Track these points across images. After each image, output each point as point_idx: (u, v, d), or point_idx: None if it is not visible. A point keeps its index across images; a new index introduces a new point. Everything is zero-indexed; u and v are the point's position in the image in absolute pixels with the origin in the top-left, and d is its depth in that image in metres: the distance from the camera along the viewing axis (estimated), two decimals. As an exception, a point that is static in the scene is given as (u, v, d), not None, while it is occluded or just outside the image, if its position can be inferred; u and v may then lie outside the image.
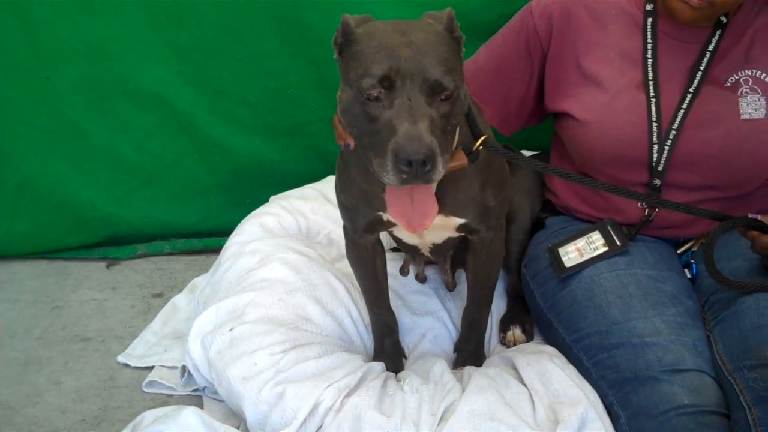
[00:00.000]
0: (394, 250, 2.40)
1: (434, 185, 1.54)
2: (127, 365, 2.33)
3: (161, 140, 2.89)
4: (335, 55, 1.57)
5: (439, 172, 1.42)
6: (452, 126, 1.50)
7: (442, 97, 1.45)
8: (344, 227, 1.97)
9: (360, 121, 1.47)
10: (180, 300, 2.59)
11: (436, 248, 1.99)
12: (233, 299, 2.08)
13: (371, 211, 1.79)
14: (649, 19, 1.94)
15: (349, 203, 1.84)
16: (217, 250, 2.58)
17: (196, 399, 2.13)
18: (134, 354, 2.36)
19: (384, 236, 2.04)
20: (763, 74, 1.89)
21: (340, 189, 1.86)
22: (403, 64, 1.42)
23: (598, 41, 1.99)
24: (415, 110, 1.40)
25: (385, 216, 1.78)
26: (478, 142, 1.68)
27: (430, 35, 1.49)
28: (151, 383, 2.22)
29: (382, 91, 1.43)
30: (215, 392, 2.03)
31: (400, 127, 1.39)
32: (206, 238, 3.01)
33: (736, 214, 1.85)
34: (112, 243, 3.00)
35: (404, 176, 1.40)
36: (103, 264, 2.94)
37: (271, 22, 2.68)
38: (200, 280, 2.62)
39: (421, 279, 2.31)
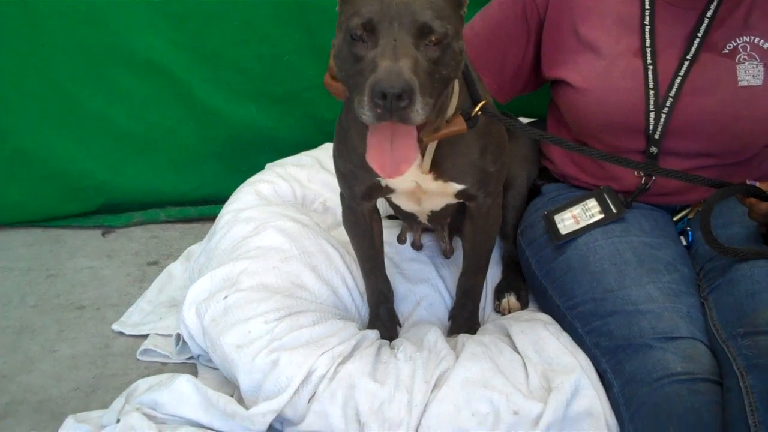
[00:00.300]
0: (390, 217, 2.39)
1: (415, 132, 1.49)
2: (121, 333, 2.33)
3: (156, 108, 2.88)
4: (338, 8, 1.55)
5: (418, 113, 1.37)
6: (442, 76, 1.46)
7: (432, 41, 1.42)
8: (341, 194, 1.96)
9: (348, 63, 1.45)
10: (175, 268, 2.58)
11: (433, 215, 1.98)
12: (228, 267, 2.07)
13: (369, 177, 1.77)
14: (647, -15, 1.92)
15: (346, 169, 1.82)
16: (212, 218, 2.57)
17: (190, 367, 2.13)
18: (129, 322, 2.36)
19: (381, 204, 2.03)
20: (762, 41, 1.87)
21: (337, 154, 1.84)
22: (393, 7, 1.41)
23: (595, 7, 1.96)
24: (398, 50, 1.38)
25: (384, 182, 1.77)
26: (477, 108, 1.66)
27: None
28: (145, 351, 2.22)
29: (369, 29, 1.41)
30: (209, 360, 2.03)
31: (382, 64, 1.37)
32: (201, 206, 3.00)
33: (734, 181, 1.83)
34: (108, 211, 2.99)
35: (379, 110, 1.36)
36: (98, 232, 2.93)
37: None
38: (195, 248, 2.61)
39: (417, 246, 2.31)
